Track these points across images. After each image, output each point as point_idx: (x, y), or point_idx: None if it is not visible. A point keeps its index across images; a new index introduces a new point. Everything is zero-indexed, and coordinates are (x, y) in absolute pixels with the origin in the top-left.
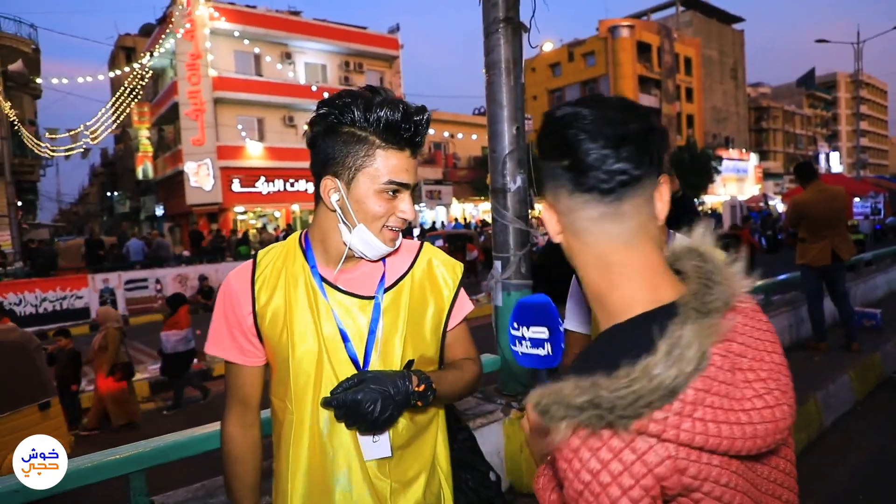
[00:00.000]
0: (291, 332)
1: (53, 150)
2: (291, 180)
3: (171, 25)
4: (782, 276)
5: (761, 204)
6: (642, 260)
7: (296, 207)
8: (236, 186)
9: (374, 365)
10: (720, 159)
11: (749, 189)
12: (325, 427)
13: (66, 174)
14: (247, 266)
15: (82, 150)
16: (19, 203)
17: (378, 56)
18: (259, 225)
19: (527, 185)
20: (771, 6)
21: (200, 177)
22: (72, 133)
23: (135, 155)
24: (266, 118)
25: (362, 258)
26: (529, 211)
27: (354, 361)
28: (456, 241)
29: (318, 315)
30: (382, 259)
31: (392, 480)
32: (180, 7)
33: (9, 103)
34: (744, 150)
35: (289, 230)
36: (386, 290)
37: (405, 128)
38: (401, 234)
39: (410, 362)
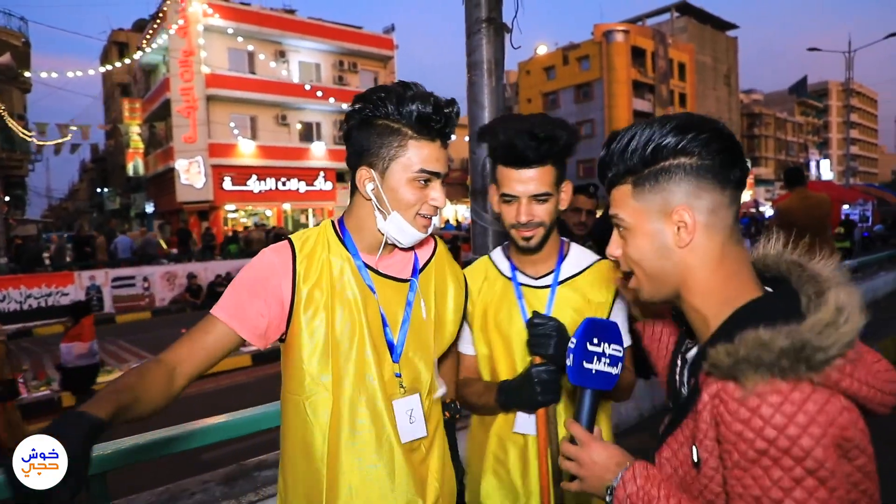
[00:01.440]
0: (332, 317)
1: (42, 142)
2: (283, 179)
3: (164, 21)
4: None
5: (752, 210)
6: (744, 251)
7: (287, 206)
8: (227, 184)
9: (406, 347)
10: None
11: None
12: (364, 408)
13: (56, 169)
14: (285, 246)
15: (69, 143)
16: (6, 198)
17: (373, 56)
18: (250, 223)
19: None
20: (764, 14)
21: (191, 174)
22: (61, 127)
23: (125, 151)
24: (259, 116)
25: (395, 245)
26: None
27: (390, 344)
28: (448, 243)
29: (362, 300)
30: (413, 247)
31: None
32: (174, 3)
33: None
34: None
35: (277, 230)
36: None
37: (436, 119)
38: (433, 222)
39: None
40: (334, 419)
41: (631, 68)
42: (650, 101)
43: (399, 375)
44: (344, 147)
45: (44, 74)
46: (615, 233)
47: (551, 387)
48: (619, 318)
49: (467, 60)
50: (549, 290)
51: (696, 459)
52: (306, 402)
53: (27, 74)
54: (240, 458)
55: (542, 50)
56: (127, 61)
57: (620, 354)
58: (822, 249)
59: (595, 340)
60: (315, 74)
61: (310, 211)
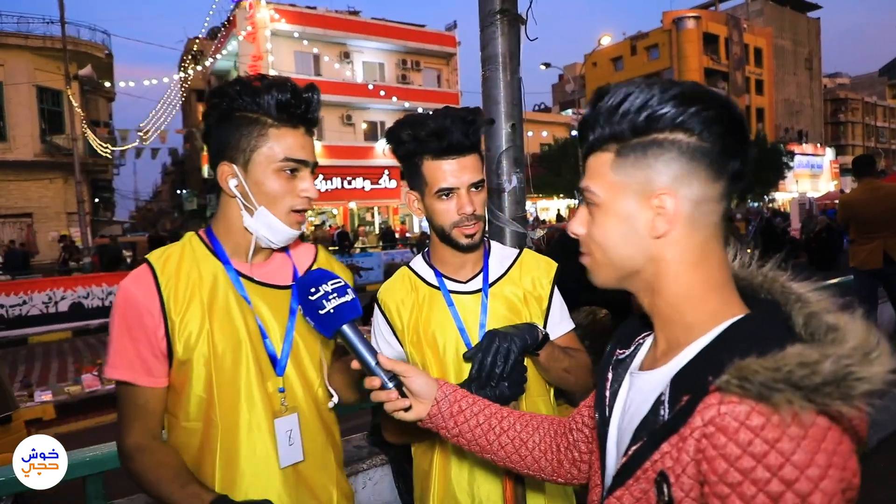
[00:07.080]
0: (213, 337)
1: (117, 148)
2: (349, 178)
3: (233, 28)
4: (833, 280)
5: (836, 201)
6: (726, 258)
7: (353, 205)
8: None
9: (291, 360)
10: (792, 154)
11: (824, 185)
12: (250, 431)
13: (144, 172)
14: (145, 274)
15: (148, 147)
16: (96, 200)
17: (435, 53)
18: (317, 222)
19: (524, 184)
20: None
21: None
22: (140, 132)
23: (200, 154)
24: (325, 117)
25: (269, 247)
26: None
27: (272, 357)
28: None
29: (240, 312)
30: (287, 251)
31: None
32: (242, 10)
33: (77, 104)
34: (819, 145)
35: (341, 228)
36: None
37: (295, 104)
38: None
39: None
40: (224, 447)
41: (703, 56)
42: (724, 89)
43: (283, 391)
44: None
45: (122, 84)
46: (582, 208)
47: (519, 377)
48: (559, 308)
49: (481, 55)
50: (480, 294)
51: (667, 498)
52: (192, 426)
53: (107, 84)
54: None
55: (607, 41)
56: (199, 68)
57: (342, 283)
58: (893, 243)
59: (312, 290)
60: (379, 74)
61: (375, 209)
